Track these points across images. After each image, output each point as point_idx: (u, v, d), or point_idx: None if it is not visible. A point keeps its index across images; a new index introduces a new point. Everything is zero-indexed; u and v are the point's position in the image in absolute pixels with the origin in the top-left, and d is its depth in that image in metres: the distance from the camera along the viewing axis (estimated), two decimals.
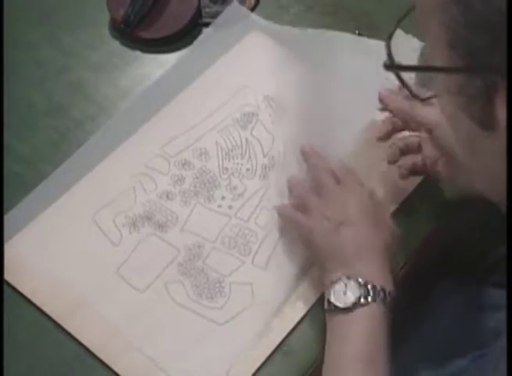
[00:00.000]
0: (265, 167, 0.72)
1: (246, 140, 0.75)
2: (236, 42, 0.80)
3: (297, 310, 0.64)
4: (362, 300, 0.53)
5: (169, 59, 0.81)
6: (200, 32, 0.83)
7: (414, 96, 0.40)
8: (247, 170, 0.73)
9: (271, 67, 0.78)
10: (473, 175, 0.40)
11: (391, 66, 0.37)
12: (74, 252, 0.68)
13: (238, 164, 0.73)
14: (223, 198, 0.71)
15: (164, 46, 0.81)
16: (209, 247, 0.68)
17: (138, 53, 0.82)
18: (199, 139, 0.75)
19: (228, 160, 0.74)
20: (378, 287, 0.54)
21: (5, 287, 0.64)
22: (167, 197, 0.71)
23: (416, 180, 0.70)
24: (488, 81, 0.32)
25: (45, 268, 0.66)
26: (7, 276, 0.65)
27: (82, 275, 0.66)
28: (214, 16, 0.84)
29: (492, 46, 0.31)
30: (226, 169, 0.73)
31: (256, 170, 0.72)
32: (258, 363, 0.62)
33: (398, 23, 0.39)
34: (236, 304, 0.65)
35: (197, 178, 0.72)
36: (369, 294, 0.54)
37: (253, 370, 0.62)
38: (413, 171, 0.66)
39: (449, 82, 0.35)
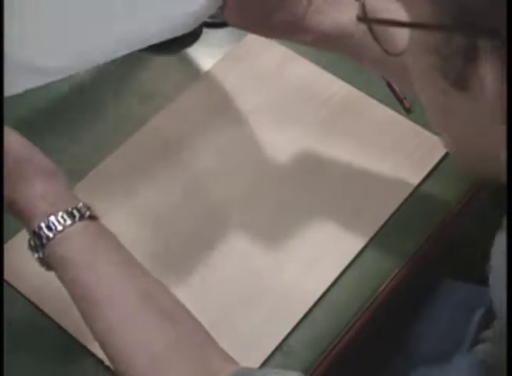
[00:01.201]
0: None
1: None
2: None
3: (297, 310, 0.65)
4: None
5: (170, 60, 0.82)
6: (200, 32, 0.83)
7: (386, 52, 0.38)
8: None
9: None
10: (443, 134, 0.39)
11: (364, 18, 0.36)
12: None
13: None
14: None
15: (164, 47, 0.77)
16: None
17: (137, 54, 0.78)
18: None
19: None
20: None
21: (5, 287, 0.64)
22: None
23: (417, 178, 0.70)
24: (471, 41, 0.31)
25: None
26: (7, 277, 0.65)
27: None
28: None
29: (480, 7, 0.30)
30: None
31: None
32: (258, 363, 0.62)
33: None
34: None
35: None
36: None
37: None
38: None
39: (427, 39, 0.33)
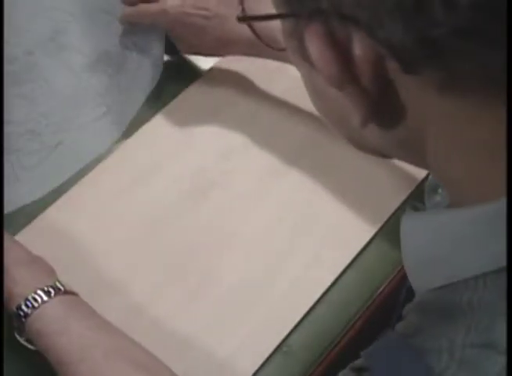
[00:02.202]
0: None
1: None
2: None
3: (297, 310, 0.64)
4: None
5: (169, 61, 0.81)
6: None
7: (269, 46, 0.41)
8: None
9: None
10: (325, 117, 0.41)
11: (242, 17, 0.38)
12: (74, 253, 0.68)
13: None
14: None
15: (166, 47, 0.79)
16: None
17: None
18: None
19: None
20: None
21: None
22: None
23: (423, 171, 0.69)
24: (296, 19, 0.34)
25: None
26: None
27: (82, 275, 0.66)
28: None
29: None
30: None
31: None
32: (258, 363, 0.62)
33: None
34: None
35: None
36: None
37: (253, 370, 0.61)
38: None
39: (286, 28, 0.36)
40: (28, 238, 0.67)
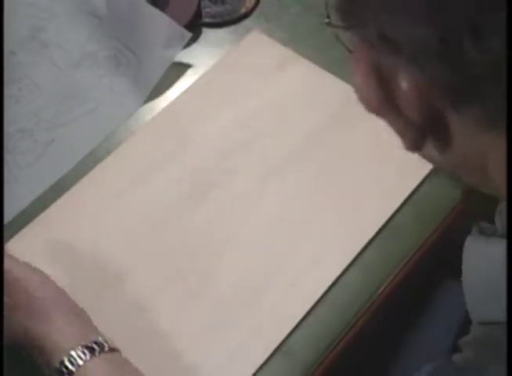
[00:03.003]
0: None
1: None
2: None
3: (297, 310, 0.64)
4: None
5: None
6: (200, 32, 0.83)
7: (351, 51, 0.38)
8: None
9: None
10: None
11: (330, 24, 0.37)
12: (74, 252, 0.67)
13: None
14: None
15: None
16: None
17: None
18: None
19: None
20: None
21: None
22: None
23: (424, 170, 0.69)
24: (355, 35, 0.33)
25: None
26: None
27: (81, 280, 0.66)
28: (214, 16, 0.83)
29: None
30: None
31: None
32: (258, 363, 0.61)
33: None
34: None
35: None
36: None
37: (253, 371, 0.61)
38: None
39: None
40: (27, 238, 0.67)
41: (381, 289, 0.66)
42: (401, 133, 0.34)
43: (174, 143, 0.74)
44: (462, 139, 0.33)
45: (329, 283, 0.65)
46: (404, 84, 0.31)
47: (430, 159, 0.38)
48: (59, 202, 0.70)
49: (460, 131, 0.32)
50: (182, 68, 0.80)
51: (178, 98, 0.78)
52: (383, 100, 0.32)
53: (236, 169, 0.72)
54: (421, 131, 0.33)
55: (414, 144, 0.34)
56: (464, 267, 0.40)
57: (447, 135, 0.33)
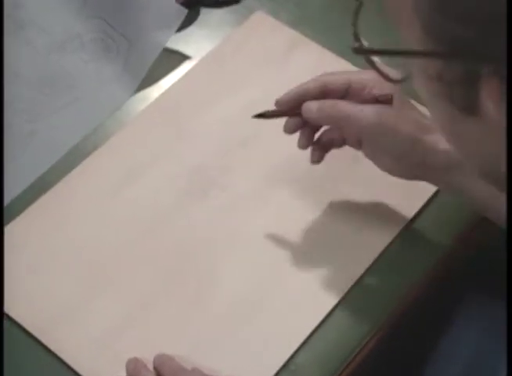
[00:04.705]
0: None
1: None
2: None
3: (305, 324, 0.62)
4: None
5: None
6: (197, 13, 0.81)
7: (388, 80, 0.40)
8: None
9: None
10: (468, 160, 0.42)
11: (361, 49, 0.37)
12: (58, 256, 0.66)
13: None
14: None
15: None
16: None
17: None
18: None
19: None
20: None
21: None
22: None
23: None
24: (470, 67, 0.33)
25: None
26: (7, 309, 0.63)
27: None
28: None
29: (475, 36, 0.32)
30: None
31: None
32: None
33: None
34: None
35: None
36: None
37: None
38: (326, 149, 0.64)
39: (427, 66, 0.35)
40: (7, 239, 0.66)
41: (395, 306, 0.64)
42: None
43: (169, 137, 0.73)
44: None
45: (339, 298, 0.63)
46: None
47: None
48: (41, 201, 0.69)
49: None
50: (177, 54, 0.79)
51: (172, 87, 0.76)
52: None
53: (237, 166, 0.70)
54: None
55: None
56: None
57: None
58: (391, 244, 0.66)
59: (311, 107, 0.59)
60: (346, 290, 0.63)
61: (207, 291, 0.63)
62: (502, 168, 0.35)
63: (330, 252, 0.65)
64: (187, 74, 0.76)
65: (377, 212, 0.67)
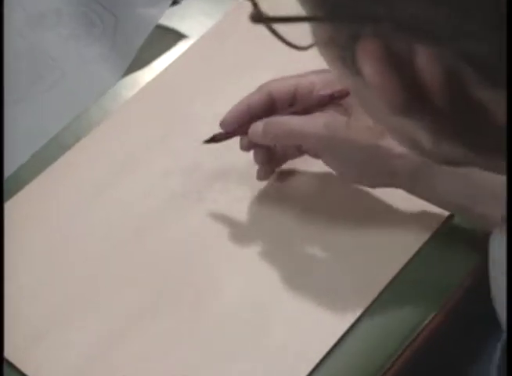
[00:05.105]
0: None
1: None
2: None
3: (316, 349, 0.57)
4: None
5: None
6: None
7: (294, 47, 0.38)
8: None
9: None
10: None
11: (258, 17, 0.36)
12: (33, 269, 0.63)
13: None
14: None
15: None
16: None
17: None
18: None
19: None
20: None
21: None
22: None
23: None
24: (352, 29, 0.33)
25: None
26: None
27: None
28: None
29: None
30: None
31: None
32: None
33: None
34: None
35: None
36: None
37: None
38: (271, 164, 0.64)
39: (320, 32, 0.36)
40: None
41: (407, 342, 0.59)
42: (426, 129, 0.35)
43: (161, 127, 0.69)
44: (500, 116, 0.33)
45: (357, 316, 0.59)
46: (427, 67, 0.31)
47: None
48: (14, 200, 0.66)
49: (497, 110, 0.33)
50: (171, 32, 0.76)
51: (166, 70, 0.72)
52: (408, 99, 0.33)
53: (240, 160, 0.65)
54: (452, 124, 0.34)
55: (439, 139, 0.35)
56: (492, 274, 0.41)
57: (482, 119, 0.33)
58: (426, 243, 0.62)
59: (257, 130, 0.59)
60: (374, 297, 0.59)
61: (204, 308, 0.59)
62: (412, 135, 0.36)
63: (359, 252, 0.62)
64: (183, 55, 0.73)
65: (410, 211, 0.64)
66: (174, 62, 0.73)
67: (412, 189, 0.60)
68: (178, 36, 0.76)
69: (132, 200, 0.65)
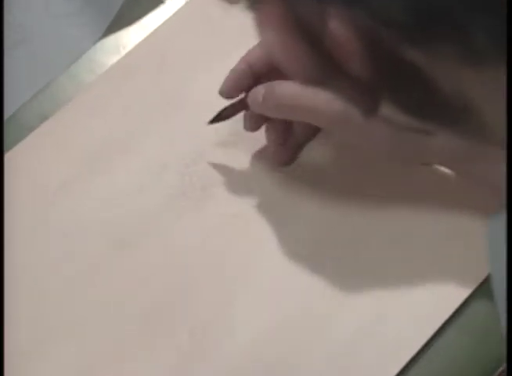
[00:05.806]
0: None
1: None
2: None
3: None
4: None
5: None
6: None
7: None
8: None
9: None
10: None
11: None
12: None
13: None
14: None
15: None
16: None
17: None
18: None
19: None
20: None
21: None
22: None
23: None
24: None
25: None
26: None
27: None
28: None
29: None
30: None
31: None
32: None
33: None
34: None
35: None
36: None
37: None
38: None
39: None
40: None
41: None
42: (350, 98, 0.34)
43: (151, 105, 0.61)
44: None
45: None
46: (339, 29, 0.30)
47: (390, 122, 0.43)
48: None
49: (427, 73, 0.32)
50: None
51: (154, 33, 0.64)
52: (320, 65, 0.31)
53: (242, 162, 0.58)
54: (373, 88, 0.32)
55: (369, 107, 0.34)
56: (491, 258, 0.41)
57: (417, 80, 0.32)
58: None
59: (256, 97, 0.51)
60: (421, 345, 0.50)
61: (207, 342, 0.52)
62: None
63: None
64: (176, 15, 0.64)
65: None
66: (163, 24, 0.64)
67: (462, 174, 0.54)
68: None
69: (113, 200, 0.56)
